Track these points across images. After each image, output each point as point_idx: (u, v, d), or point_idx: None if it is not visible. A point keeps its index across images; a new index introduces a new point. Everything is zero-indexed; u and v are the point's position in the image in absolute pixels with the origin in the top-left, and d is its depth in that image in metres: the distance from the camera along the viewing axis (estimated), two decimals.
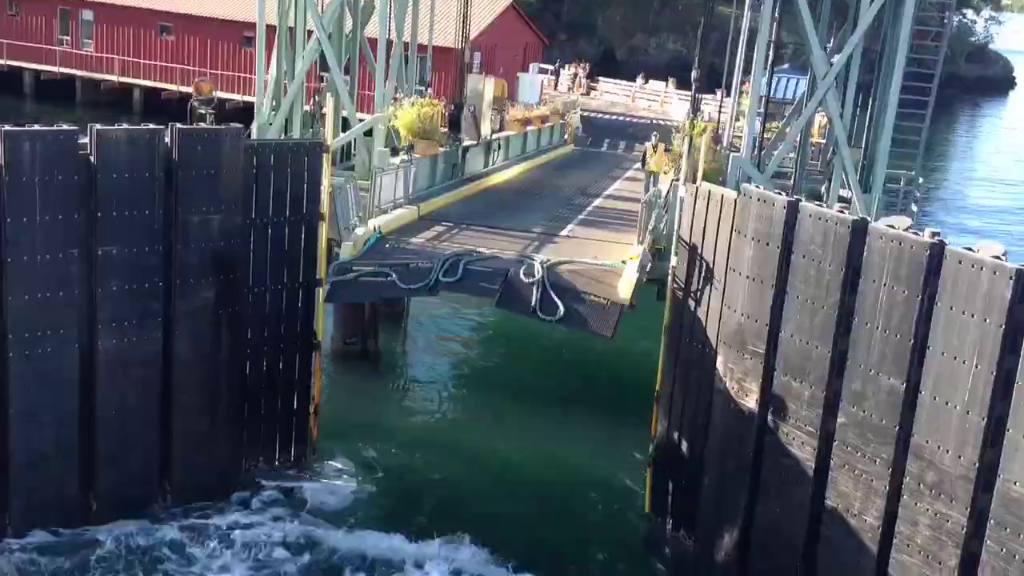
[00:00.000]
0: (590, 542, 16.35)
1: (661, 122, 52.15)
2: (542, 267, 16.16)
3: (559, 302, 15.49)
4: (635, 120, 52.79)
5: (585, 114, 48.27)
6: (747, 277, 14.57)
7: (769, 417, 14.38)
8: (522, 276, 15.94)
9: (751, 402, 14.63)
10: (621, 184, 30.03)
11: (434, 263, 16.23)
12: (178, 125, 15.08)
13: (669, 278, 16.40)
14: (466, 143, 25.26)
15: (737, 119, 26.02)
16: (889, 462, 12.73)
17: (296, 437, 17.47)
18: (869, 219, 13.22)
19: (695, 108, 24.90)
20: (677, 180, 18.87)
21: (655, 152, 25.66)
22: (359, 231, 17.54)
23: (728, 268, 15.01)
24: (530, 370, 23.04)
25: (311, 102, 24.52)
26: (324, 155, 16.60)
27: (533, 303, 15.52)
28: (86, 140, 14.09)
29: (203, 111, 15.38)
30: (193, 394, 15.83)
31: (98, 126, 14.39)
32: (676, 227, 16.16)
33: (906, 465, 12.51)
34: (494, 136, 28.54)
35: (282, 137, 21.89)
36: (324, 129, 17.55)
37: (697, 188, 15.75)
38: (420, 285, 15.96)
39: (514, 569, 15.09)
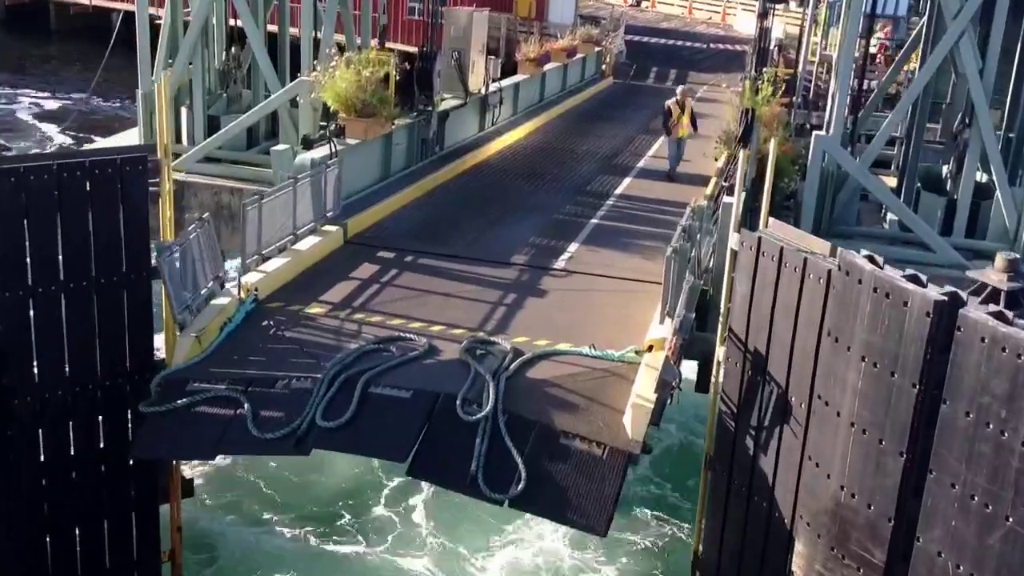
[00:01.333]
0: None
1: (722, 46, 44.71)
2: (495, 384, 9.29)
3: (519, 462, 8.60)
4: (689, 44, 45.19)
5: (629, 37, 40.86)
6: (853, 425, 7.99)
7: None
8: (460, 411, 9.05)
9: None
10: (664, 145, 22.95)
11: (316, 384, 9.34)
12: None
13: (713, 382, 9.85)
14: (445, 106, 18.38)
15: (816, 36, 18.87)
16: None
17: None
18: None
19: (760, 56, 17.53)
20: (726, 194, 12.17)
21: (683, 111, 18.87)
22: (222, 300, 10.68)
23: (814, 396, 8.43)
24: None
25: (226, 56, 17.91)
26: (165, 173, 10.31)
27: (473, 467, 8.59)
28: None
29: None
30: None
31: None
32: (724, 300, 9.54)
33: None
34: (494, 87, 21.62)
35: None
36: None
37: (760, 239, 9.07)
38: (282, 434, 8.98)
39: None
